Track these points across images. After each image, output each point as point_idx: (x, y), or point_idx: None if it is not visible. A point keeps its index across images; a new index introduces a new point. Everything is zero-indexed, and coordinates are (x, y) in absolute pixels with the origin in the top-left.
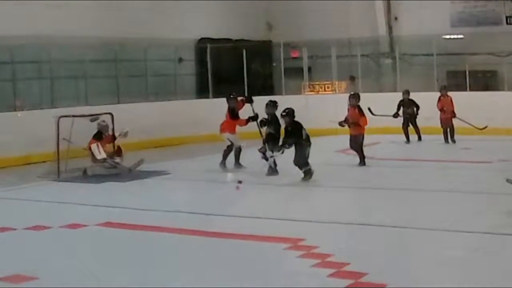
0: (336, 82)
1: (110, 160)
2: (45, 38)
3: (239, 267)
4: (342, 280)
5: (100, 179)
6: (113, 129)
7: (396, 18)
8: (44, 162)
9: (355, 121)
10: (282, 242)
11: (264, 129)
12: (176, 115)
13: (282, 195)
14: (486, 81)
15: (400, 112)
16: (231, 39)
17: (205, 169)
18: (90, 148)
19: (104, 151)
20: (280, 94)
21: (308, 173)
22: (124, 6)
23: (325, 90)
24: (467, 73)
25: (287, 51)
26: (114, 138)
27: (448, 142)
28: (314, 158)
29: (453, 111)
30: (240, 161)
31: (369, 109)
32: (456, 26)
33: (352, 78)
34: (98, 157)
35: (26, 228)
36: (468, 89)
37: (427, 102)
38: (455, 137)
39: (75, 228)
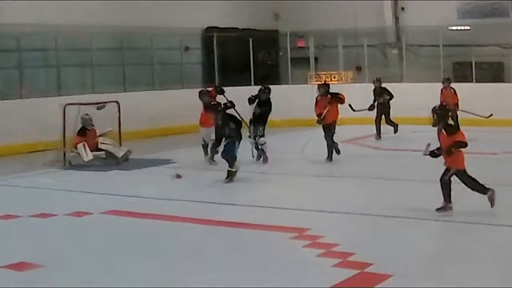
0: (343, 72)
1: (98, 158)
2: (52, 26)
3: (245, 256)
4: (347, 270)
5: (106, 167)
6: (119, 118)
7: (403, 9)
8: (50, 150)
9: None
10: (288, 231)
11: (252, 107)
12: (182, 103)
13: (287, 184)
14: (492, 72)
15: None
16: (237, 28)
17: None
18: (76, 148)
19: (90, 146)
20: (287, 83)
21: (230, 174)
22: None
23: (331, 80)
24: (473, 64)
25: (294, 40)
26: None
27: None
28: (320, 147)
29: (456, 104)
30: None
31: (350, 105)
32: (463, 17)
33: (359, 68)
34: (85, 159)
35: (32, 216)
36: (474, 80)
37: (433, 93)
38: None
39: (81, 216)
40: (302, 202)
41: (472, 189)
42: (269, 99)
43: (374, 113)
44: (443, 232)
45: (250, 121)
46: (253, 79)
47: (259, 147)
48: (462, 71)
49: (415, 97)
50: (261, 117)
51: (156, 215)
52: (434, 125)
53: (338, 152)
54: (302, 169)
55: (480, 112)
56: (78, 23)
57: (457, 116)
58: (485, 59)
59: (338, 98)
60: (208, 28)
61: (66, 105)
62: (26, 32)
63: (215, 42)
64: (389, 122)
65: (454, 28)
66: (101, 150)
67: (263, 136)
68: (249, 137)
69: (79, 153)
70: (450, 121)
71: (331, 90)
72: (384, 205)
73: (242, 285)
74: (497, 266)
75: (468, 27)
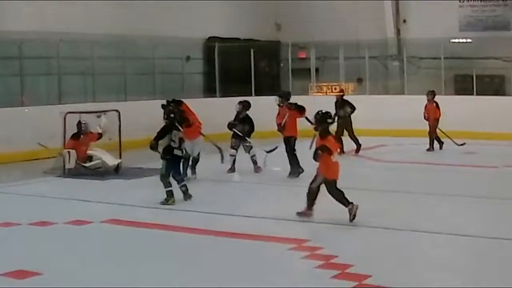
0: (344, 84)
1: (81, 165)
2: (54, 34)
3: (243, 266)
4: (345, 281)
5: (106, 176)
6: (119, 126)
7: (404, 21)
8: (50, 158)
9: (286, 123)
10: (286, 242)
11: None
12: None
13: (285, 195)
14: (493, 85)
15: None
16: (239, 39)
17: (210, 169)
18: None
19: (81, 152)
20: None
21: (170, 196)
22: (133, 3)
23: (332, 92)
24: (474, 77)
25: (295, 51)
26: (100, 136)
27: (431, 149)
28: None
29: (437, 118)
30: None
31: (306, 118)
32: (464, 30)
33: (360, 80)
34: (67, 166)
35: (31, 224)
36: (475, 93)
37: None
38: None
39: (80, 224)
40: (294, 213)
41: (337, 200)
42: (246, 115)
43: (378, 125)
44: (443, 245)
45: (233, 135)
46: (253, 90)
47: (253, 159)
48: (463, 84)
49: (416, 109)
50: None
51: (155, 225)
52: (315, 130)
53: (300, 170)
54: (300, 180)
55: (456, 139)
56: (80, 31)
57: (436, 130)
58: (487, 72)
59: (297, 107)
60: (209, 38)
61: (66, 113)
62: (28, 39)
63: (216, 52)
64: (352, 137)
65: (456, 40)
66: (91, 157)
67: (251, 148)
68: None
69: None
70: (327, 127)
71: (295, 102)
72: (382, 217)
73: None
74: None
75: (469, 40)
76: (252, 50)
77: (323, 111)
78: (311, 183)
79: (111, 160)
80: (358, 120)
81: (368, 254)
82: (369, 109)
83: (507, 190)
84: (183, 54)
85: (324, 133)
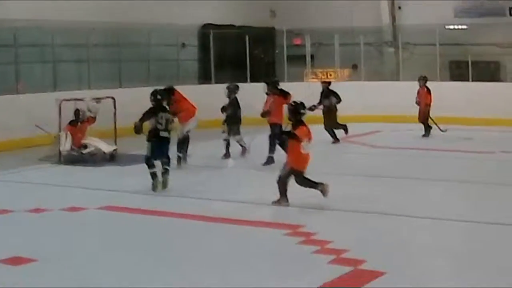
0: (339, 70)
1: (76, 151)
2: (48, 22)
3: (239, 252)
4: (341, 266)
5: (101, 162)
6: (114, 113)
7: (399, 8)
8: (46, 145)
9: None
10: (282, 228)
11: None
12: None
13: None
14: (489, 71)
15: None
16: (234, 25)
17: (205, 155)
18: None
19: (77, 138)
20: (283, 80)
21: (154, 177)
22: None
23: (327, 78)
24: (469, 63)
25: (290, 38)
26: (94, 119)
27: (426, 135)
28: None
29: (428, 104)
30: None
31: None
32: (460, 16)
33: (355, 66)
34: (63, 148)
35: (27, 211)
36: (470, 79)
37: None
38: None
39: (75, 211)
40: (295, 198)
41: (308, 187)
42: (234, 98)
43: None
44: (436, 230)
45: (224, 121)
46: (249, 76)
47: (242, 144)
48: (459, 70)
49: (410, 96)
50: (231, 117)
51: (151, 211)
52: (289, 120)
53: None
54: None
55: (440, 125)
56: (75, 19)
57: (428, 116)
58: (482, 58)
59: (282, 92)
60: (204, 25)
61: (62, 100)
62: (23, 27)
63: (211, 39)
64: (336, 126)
65: (451, 27)
66: (86, 146)
67: (238, 134)
68: (223, 132)
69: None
70: (301, 117)
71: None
72: (376, 202)
73: (238, 282)
74: (489, 266)
75: (464, 26)
76: (247, 37)
77: (297, 102)
78: (280, 173)
79: (106, 148)
80: (353, 106)
81: (363, 239)
82: (364, 95)
83: (504, 176)
84: (178, 41)
85: (296, 123)
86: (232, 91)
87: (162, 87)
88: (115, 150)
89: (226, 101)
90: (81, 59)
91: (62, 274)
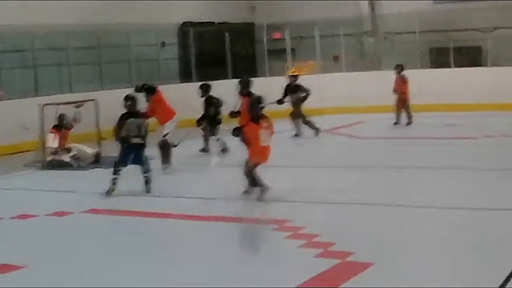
0: (320, 63)
1: (60, 153)
2: (28, 26)
3: (228, 248)
4: (329, 259)
5: (85, 166)
6: (97, 115)
7: None
8: (29, 151)
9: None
10: (269, 223)
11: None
12: None
13: (264, 176)
14: (470, 57)
15: (288, 99)
16: (213, 23)
17: (188, 154)
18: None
19: (63, 143)
20: (264, 75)
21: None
22: None
23: (296, 72)
24: (451, 49)
25: (270, 32)
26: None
27: (397, 123)
28: (297, 137)
29: (404, 92)
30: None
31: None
32: (439, 2)
33: (336, 58)
34: (48, 144)
35: (13, 217)
36: (452, 65)
37: (410, 80)
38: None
39: (61, 215)
40: (281, 193)
41: (249, 182)
42: (208, 97)
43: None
44: (423, 219)
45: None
46: (230, 73)
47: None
48: (440, 57)
49: (393, 85)
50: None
51: (137, 212)
52: (249, 114)
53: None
54: (277, 160)
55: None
56: (54, 22)
57: (405, 106)
58: (463, 43)
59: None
60: (184, 23)
61: (44, 105)
62: (2, 33)
63: (191, 37)
64: (303, 119)
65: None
66: (69, 150)
67: (212, 134)
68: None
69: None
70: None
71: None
72: (362, 192)
73: (228, 278)
74: (477, 253)
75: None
76: (226, 33)
77: (257, 96)
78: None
79: (89, 151)
80: (335, 97)
81: (350, 231)
82: (346, 87)
83: (488, 161)
84: (158, 40)
85: (256, 118)
86: (204, 91)
87: (142, 84)
88: (98, 151)
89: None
90: (61, 63)
91: (53, 280)
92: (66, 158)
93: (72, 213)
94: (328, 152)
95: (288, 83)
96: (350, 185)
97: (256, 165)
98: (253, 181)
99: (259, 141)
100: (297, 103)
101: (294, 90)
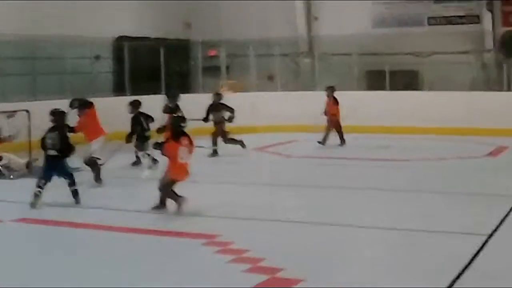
0: (255, 81)
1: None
2: None
3: (155, 263)
4: (257, 275)
5: (16, 175)
6: (29, 126)
7: (316, 18)
8: None
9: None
10: (198, 238)
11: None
12: None
13: (193, 191)
14: (406, 80)
15: (211, 117)
16: (149, 38)
17: (120, 167)
18: None
19: None
20: (198, 92)
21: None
22: (41, 3)
23: (242, 89)
24: (387, 72)
25: (206, 49)
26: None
27: (323, 144)
28: (230, 155)
29: (334, 114)
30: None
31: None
32: (378, 26)
33: (271, 77)
34: None
35: None
36: (388, 88)
37: (345, 101)
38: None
39: None
40: (210, 208)
41: (161, 197)
42: (137, 114)
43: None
44: (354, 238)
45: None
46: (164, 88)
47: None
48: (376, 80)
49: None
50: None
51: (67, 223)
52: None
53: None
54: (205, 177)
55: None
56: None
57: (337, 127)
58: (399, 67)
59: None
60: (119, 37)
61: None
62: None
63: (126, 51)
64: (220, 139)
65: (369, 36)
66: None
67: (142, 150)
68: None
69: None
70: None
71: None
72: (294, 211)
73: None
74: (411, 271)
75: (381, 36)
76: (161, 49)
77: (179, 116)
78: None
79: (20, 159)
80: (269, 116)
81: (280, 248)
82: (280, 106)
83: (418, 183)
84: (93, 54)
85: (176, 135)
86: (134, 107)
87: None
88: (30, 162)
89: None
90: None
91: None
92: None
93: (1, 221)
94: (258, 170)
95: (212, 101)
96: (280, 202)
97: (172, 181)
98: (165, 196)
99: (177, 159)
100: (219, 122)
101: (217, 109)
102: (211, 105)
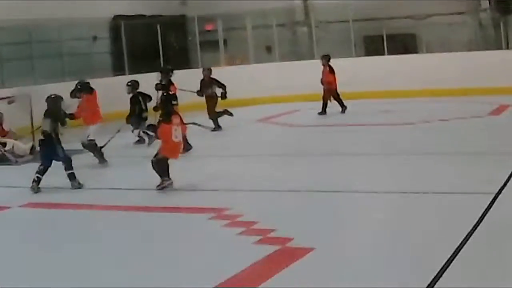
0: (253, 53)
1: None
2: None
3: (165, 238)
4: (269, 246)
5: (19, 161)
6: (31, 111)
7: None
8: None
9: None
10: (206, 212)
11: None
12: None
13: (196, 166)
14: (404, 44)
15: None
16: (144, 15)
17: (123, 145)
18: None
19: None
20: (197, 67)
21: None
22: None
23: (242, 62)
24: (384, 37)
25: (202, 24)
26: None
27: (324, 113)
28: (232, 127)
29: (329, 82)
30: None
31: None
32: None
33: (269, 48)
34: None
35: None
36: (386, 53)
37: (344, 68)
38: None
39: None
40: (215, 182)
41: (157, 172)
42: (135, 94)
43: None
44: (361, 204)
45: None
46: (162, 65)
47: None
48: (374, 45)
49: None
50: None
51: (75, 205)
52: (161, 110)
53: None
54: (210, 150)
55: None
56: None
57: (335, 95)
58: (397, 31)
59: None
60: (115, 16)
61: None
62: None
63: (123, 30)
64: (215, 115)
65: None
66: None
67: (137, 128)
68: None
69: None
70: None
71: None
72: (299, 180)
73: (172, 266)
74: (415, 235)
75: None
76: (158, 26)
77: (168, 95)
78: (154, 157)
79: (23, 144)
80: (269, 87)
81: (289, 217)
82: (279, 76)
83: (423, 145)
84: (90, 35)
85: (167, 115)
86: (132, 87)
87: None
88: (33, 145)
89: (142, 91)
90: None
91: None
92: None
93: (9, 207)
94: (262, 140)
95: (202, 77)
96: (286, 172)
97: (165, 158)
98: (162, 169)
99: (170, 139)
100: (211, 97)
101: (208, 85)
102: (202, 80)
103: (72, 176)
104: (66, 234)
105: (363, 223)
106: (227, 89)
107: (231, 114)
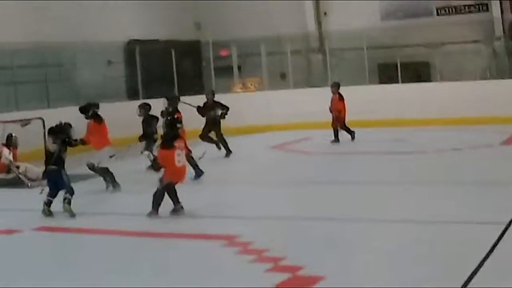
0: (267, 80)
1: (15, 169)
2: None
3: (179, 266)
4: (280, 274)
5: (31, 184)
6: (44, 134)
7: (325, 13)
8: None
9: None
10: (218, 239)
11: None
12: (106, 117)
13: (209, 192)
14: (418, 72)
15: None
16: (159, 40)
17: (135, 170)
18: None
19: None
20: None
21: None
22: (51, 10)
23: (255, 88)
24: (398, 65)
25: (217, 50)
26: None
27: (337, 141)
28: (246, 154)
29: (339, 110)
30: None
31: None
32: (386, 19)
33: (283, 75)
34: (5, 157)
35: None
36: (400, 81)
37: (358, 95)
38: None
39: (11, 233)
40: (227, 209)
41: (172, 198)
42: (146, 117)
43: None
44: (373, 233)
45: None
46: (177, 90)
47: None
48: (388, 73)
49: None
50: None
51: (88, 230)
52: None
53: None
54: (219, 176)
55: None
56: None
57: (343, 123)
58: (411, 59)
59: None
60: (130, 41)
61: None
62: None
63: (137, 54)
64: (220, 140)
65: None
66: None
67: (146, 150)
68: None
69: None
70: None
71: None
72: (312, 208)
73: None
74: (431, 267)
75: (390, 28)
76: (173, 51)
77: (171, 119)
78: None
79: (36, 168)
80: (282, 114)
81: (299, 246)
82: (293, 103)
83: (439, 174)
84: (104, 59)
85: (168, 142)
86: (143, 110)
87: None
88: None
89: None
90: (7, 81)
91: None
92: (17, 175)
93: (21, 231)
94: (276, 168)
95: (206, 101)
96: (298, 200)
97: (171, 183)
98: (158, 203)
99: (173, 164)
100: (213, 121)
101: (210, 108)
102: (205, 103)
103: (67, 202)
104: (76, 258)
105: (374, 252)
106: (229, 111)
107: (219, 148)
